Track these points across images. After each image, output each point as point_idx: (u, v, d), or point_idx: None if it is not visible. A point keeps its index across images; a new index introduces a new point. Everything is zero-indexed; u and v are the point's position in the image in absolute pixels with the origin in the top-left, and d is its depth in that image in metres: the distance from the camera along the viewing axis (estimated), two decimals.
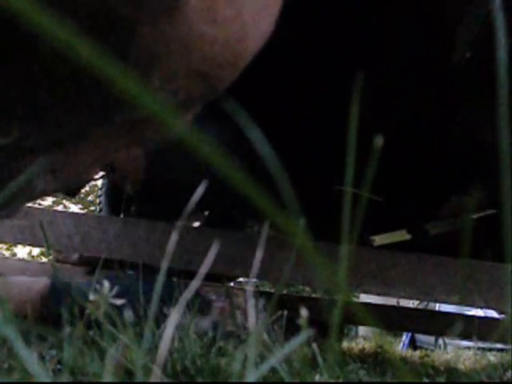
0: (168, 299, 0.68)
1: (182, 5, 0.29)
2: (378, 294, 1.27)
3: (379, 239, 1.70)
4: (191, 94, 0.35)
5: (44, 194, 0.37)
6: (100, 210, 1.77)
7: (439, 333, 2.77)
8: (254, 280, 1.18)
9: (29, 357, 0.20)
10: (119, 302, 0.38)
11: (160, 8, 0.29)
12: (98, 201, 1.88)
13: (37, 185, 0.36)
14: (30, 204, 1.32)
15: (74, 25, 0.26)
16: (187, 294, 0.30)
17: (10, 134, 0.31)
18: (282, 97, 1.06)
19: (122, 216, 1.64)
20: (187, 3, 0.29)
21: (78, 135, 0.34)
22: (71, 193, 1.04)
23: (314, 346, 0.38)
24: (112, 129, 0.35)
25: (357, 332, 5.81)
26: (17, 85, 0.29)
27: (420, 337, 6.13)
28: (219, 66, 0.34)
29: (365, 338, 4.17)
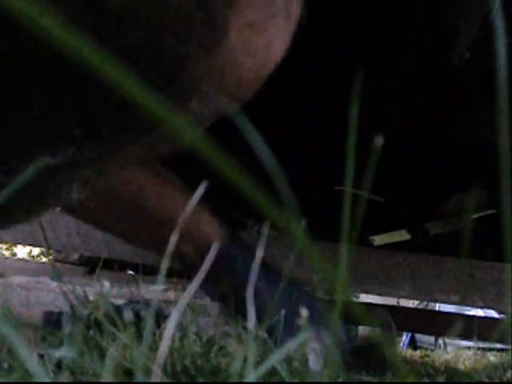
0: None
1: (223, 40, 0.34)
2: (378, 294, 1.27)
3: (379, 239, 1.70)
4: (218, 111, 0.40)
5: (78, 201, 0.40)
6: None
7: (439, 333, 2.76)
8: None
9: (29, 357, 0.20)
10: (119, 301, 0.38)
11: (206, 45, 0.33)
12: None
13: (72, 194, 0.39)
14: None
15: (130, 59, 0.30)
16: (187, 295, 0.30)
17: (65, 154, 0.35)
18: (281, 95, 1.06)
19: None
20: (228, 38, 0.34)
21: (115, 151, 0.37)
22: None
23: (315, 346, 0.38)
24: (140, 145, 0.38)
25: (357, 332, 5.80)
26: (77, 110, 0.33)
27: (420, 337, 6.12)
28: (245, 86, 0.39)
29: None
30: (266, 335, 0.43)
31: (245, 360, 0.32)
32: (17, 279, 0.99)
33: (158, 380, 0.27)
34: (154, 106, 0.11)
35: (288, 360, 0.35)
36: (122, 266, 1.51)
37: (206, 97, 0.37)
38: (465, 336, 1.89)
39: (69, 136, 0.34)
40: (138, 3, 0.28)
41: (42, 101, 0.31)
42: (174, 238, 0.29)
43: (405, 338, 5.91)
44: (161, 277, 0.28)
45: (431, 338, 5.93)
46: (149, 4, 0.29)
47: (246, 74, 0.38)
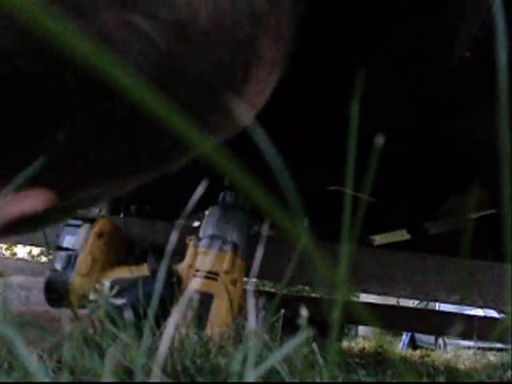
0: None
1: (242, 96, 0.43)
2: (378, 294, 1.27)
3: (379, 239, 1.70)
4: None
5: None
6: (100, 210, 1.77)
7: (439, 333, 2.77)
8: (254, 279, 1.18)
9: (29, 357, 0.20)
10: (119, 301, 0.38)
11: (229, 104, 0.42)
12: None
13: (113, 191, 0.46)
14: None
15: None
16: (188, 294, 0.30)
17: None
18: (282, 95, 1.06)
19: (121, 215, 1.64)
20: (244, 93, 0.43)
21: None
22: None
23: (314, 345, 0.38)
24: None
25: (357, 332, 5.81)
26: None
27: (420, 337, 6.14)
28: (252, 112, 0.48)
29: (365, 338, 4.17)
30: (265, 335, 0.43)
31: (245, 360, 0.32)
32: (17, 279, 0.99)
33: (158, 380, 0.27)
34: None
35: (288, 360, 0.35)
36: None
37: (222, 132, 0.46)
38: (465, 336, 1.89)
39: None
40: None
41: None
42: (173, 237, 0.29)
43: (405, 337, 5.91)
44: (161, 276, 0.28)
45: (431, 338, 5.94)
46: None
47: (255, 108, 0.47)
